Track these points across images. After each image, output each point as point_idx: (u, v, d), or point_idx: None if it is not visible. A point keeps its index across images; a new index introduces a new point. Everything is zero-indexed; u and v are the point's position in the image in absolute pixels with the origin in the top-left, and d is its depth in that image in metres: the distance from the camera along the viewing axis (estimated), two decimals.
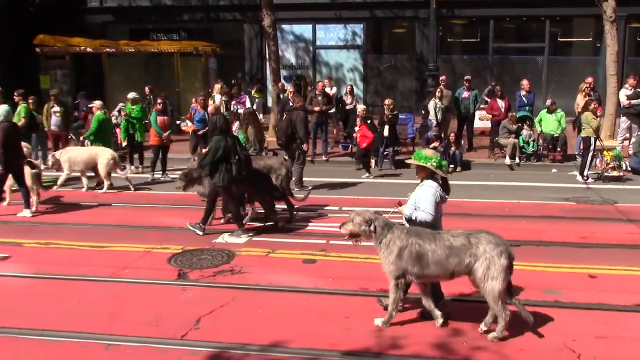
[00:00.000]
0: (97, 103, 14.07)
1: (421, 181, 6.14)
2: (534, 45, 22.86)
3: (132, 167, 13.79)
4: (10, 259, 8.26)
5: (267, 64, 21.89)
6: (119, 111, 16.53)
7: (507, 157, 15.10)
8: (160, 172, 13.93)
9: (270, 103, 21.11)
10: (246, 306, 6.56)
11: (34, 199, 10.86)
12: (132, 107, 14.60)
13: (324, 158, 15.93)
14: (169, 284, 7.27)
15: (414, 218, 6.02)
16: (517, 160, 15.10)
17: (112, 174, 12.79)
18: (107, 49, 20.77)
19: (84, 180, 12.68)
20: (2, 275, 7.65)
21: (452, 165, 14.66)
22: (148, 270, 7.71)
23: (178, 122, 16.89)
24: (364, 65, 23.85)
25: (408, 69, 23.43)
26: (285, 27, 23.45)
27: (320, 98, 16.03)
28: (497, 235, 5.79)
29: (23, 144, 11.31)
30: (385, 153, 15.14)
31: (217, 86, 17.40)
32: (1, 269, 7.86)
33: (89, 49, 20.70)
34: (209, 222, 9.54)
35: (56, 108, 14.90)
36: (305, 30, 24.08)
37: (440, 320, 6.02)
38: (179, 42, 22.16)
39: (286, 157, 11.89)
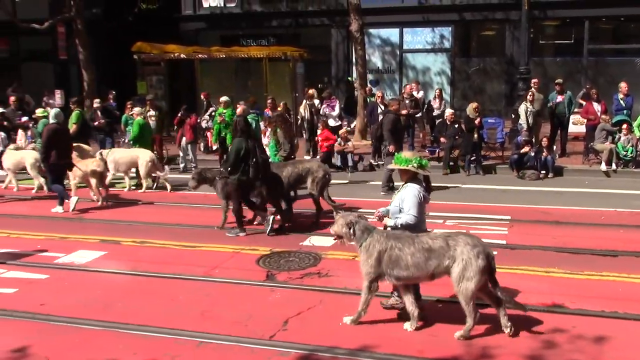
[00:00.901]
0: (136, 110, 14.73)
1: (404, 183, 6.32)
2: (633, 46, 21.78)
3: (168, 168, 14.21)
4: (109, 256, 8.68)
5: (354, 68, 21.98)
6: (210, 115, 17.03)
7: (603, 163, 14.44)
8: None
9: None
10: (333, 309, 6.59)
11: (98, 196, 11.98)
12: (224, 111, 15.00)
13: None
14: (257, 284, 7.42)
15: (398, 225, 6.14)
16: (613, 166, 14.41)
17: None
18: (200, 55, 21.47)
19: (126, 180, 13.52)
20: (102, 271, 8.05)
21: (543, 172, 14.22)
22: (237, 270, 7.90)
23: None
24: (451, 68, 23.48)
25: (497, 72, 22.89)
26: (372, 31, 23.43)
27: (407, 101, 15.91)
28: (476, 237, 5.96)
29: (84, 146, 12.83)
30: (472, 158, 14.85)
31: (312, 91, 17.55)
32: (101, 265, 8.27)
33: (182, 55, 21.47)
34: (258, 220, 10.07)
35: (152, 112, 15.53)
36: (392, 34, 23.97)
37: (414, 325, 6.08)
38: (267, 48, 22.59)
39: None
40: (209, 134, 17.00)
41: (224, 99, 15.30)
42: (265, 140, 12.73)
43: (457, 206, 11.33)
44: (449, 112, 15.99)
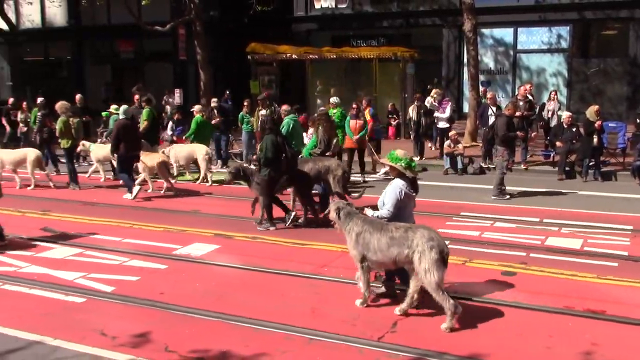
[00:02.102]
0: (196, 107, 15.69)
1: (394, 178, 6.80)
2: None
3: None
4: (222, 250, 9.00)
5: (465, 69, 21.56)
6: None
7: None
8: (359, 174, 14.28)
9: (466, 109, 20.75)
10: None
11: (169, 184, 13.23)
12: (334, 111, 15.14)
13: (522, 166, 15.27)
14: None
15: (376, 217, 6.69)
16: None
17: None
18: (311, 56, 21.80)
19: (187, 174, 14.72)
20: (216, 264, 8.35)
21: None
22: (345, 269, 7.93)
23: None
24: (568, 69, 22.52)
25: (619, 74, 21.70)
26: (485, 31, 22.88)
27: (521, 103, 15.40)
28: (434, 231, 6.28)
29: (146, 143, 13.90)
30: (591, 163, 14.15)
31: (435, 90, 17.44)
32: (215, 258, 8.58)
33: (294, 56, 21.90)
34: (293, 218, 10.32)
35: (263, 111, 15.92)
36: (505, 34, 23.31)
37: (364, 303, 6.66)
38: (378, 48, 22.60)
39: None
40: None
41: (333, 99, 15.46)
42: (305, 139, 13.31)
43: (573, 214, 10.84)
44: (566, 114, 15.33)
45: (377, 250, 6.34)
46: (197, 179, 14.53)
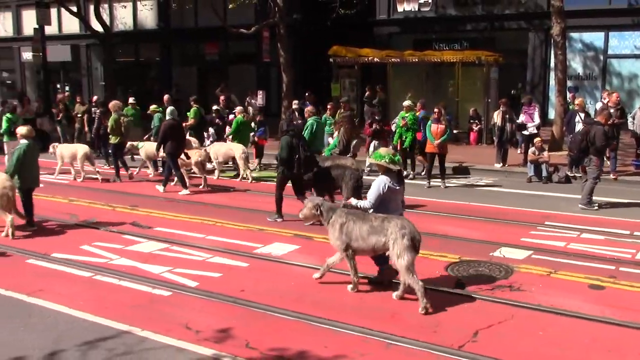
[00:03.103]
0: (238, 109, 16.49)
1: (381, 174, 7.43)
2: None
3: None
4: (302, 250, 9.10)
5: (552, 73, 20.88)
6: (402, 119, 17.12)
7: None
8: (439, 180, 14.11)
9: (552, 115, 20.12)
10: (526, 326, 6.35)
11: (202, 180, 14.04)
12: (406, 115, 15.07)
13: (611, 176, 14.66)
14: (447, 291, 7.35)
15: (360, 206, 7.41)
16: None
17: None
18: (393, 59, 21.71)
19: (216, 172, 15.30)
20: (296, 264, 8.45)
21: None
22: (426, 276, 7.86)
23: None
24: None
25: None
26: (574, 34, 22.06)
27: (612, 111, 14.78)
28: (408, 221, 6.95)
29: (192, 139, 15.67)
30: None
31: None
32: (295, 258, 8.69)
33: (376, 59, 21.87)
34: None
35: (345, 113, 15.99)
36: (596, 38, 22.40)
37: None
38: (461, 52, 22.20)
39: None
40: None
41: (406, 103, 15.38)
42: (330, 140, 13.69)
43: None
44: None
45: (359, 238, 7.01)
46: (237, 176, 15.34)
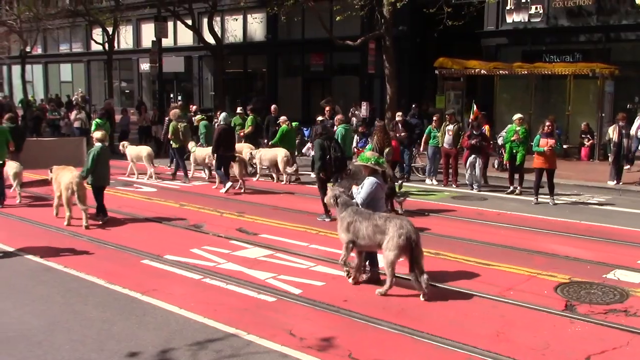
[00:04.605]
0: (282, 118, 17.37)
1: (367, 177, 8.29)
2: None
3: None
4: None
5: None
6: (507, 132, 16.69)
7: None
8: (548, 196, 13.61)
9: None
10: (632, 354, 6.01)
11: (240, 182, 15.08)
12: (518, 128, 14.65)
13: None
14: (556, 313, 7.07)
15: (356, 202, 8.16)
16: None
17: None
18: (501, 71, 21.22)
19: (274, 175, 16.70)
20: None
21: None
22: (534, 295, 7.63)
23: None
24: None
25: None
26: None
27: None
28: (408, 222, 7.64)
29: (248, 145, 17.39)
30: None
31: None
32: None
33: (483, 71, 21.45)
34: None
35: (450, 126, 15.80)
36: None
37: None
38: (574, 64, 21.35)
39: None
40: (502, 150, 16.69)
41: (517, 116, 14.96)
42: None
43: None
44: None
45: (365, 237, 7.72)
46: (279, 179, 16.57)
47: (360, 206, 8.10)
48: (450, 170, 15.98)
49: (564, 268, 8.73)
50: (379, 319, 6.87)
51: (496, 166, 17.40)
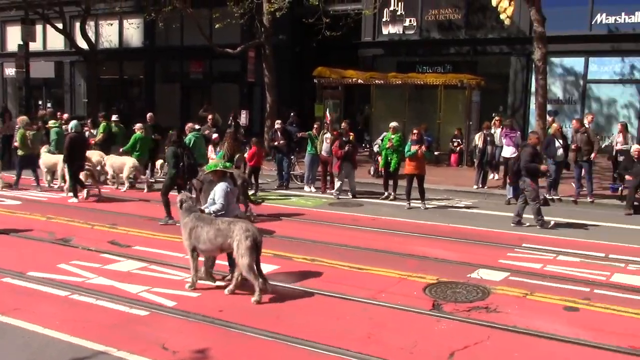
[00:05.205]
0: (137, 125, 17.20)
1: (217, 183, 8.47)
2: None
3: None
4: (281, 270, 9.08)
5: (532, 98, 21.20)
6: (382, 140, 17.27)
7: None
8: (420, 201, 14.21)
9: None
10: (502, 347, 6.40)
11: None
12: (392, 136, 15.20)
13: (588, 199, 14.87)
14: (424, 313, 7.39)
15: (211, 211, 8.23)
16: None
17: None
18: (377, 81, 21.93)
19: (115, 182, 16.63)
20: (275, 284, 8.41)
21: None
22: (404, 296, 7.92)
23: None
24: None
25: None
26: (555, 59, 22.48)
27: (579, 135, 15.03)
28: (251, 224, 7.99)
29: (98, 152, 16.82)
30: None
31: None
32: (274, 278, 8.63)
33: (360, 80, 22.09)
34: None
35: (328, 134, 16.11)
36: (576, 63, 22.83)
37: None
38: (444, 75, 22.53)
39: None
40: (379, 158, 17.22)
41: (392, 124, 15.53)
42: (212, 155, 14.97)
43: (635, 250, 10.48)
44: (635, 147, 14.86)
45: (207, 241, 7.85)
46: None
47: (217, 212, 8.22)
48: (328, 178, 16.30)
49: (433, 269, 9.14)
50: (254, 327, 6.84)
51: (372, 173, 17.94)
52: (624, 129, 16.65)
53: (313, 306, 7.62)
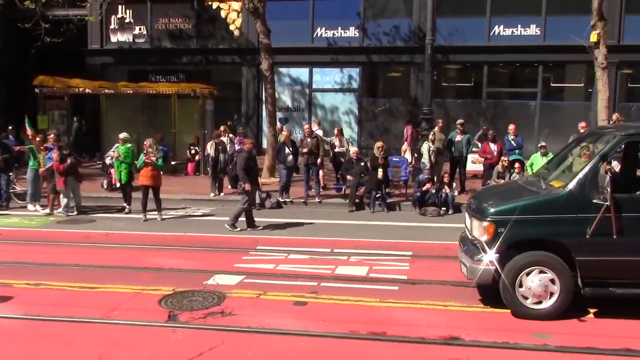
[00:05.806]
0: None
1: None
2: (527, 90, 23.10)
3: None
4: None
5: (264, 106, 22.17)
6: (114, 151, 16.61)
7: None
8: (156, 212, 13.94)
9: (265, 144, 21.31)
10: (235, 349, 6.53)
11: None
12: (121, 148, 14.75)
13: (317, 200, 15.98)
14: (159, 325, 7.24)
15: None
16: None
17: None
18: (106, 90, 21.00)
19: None
20: None
21: (444, 208, 14.79)
22: (138, 312, 7.68)
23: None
24: (359, 108, 24.14)
25: (402, 113, 23.59)
26: (283, 70, 23.83)
27: (309, 140, 16.16)
28: None
29: None
30: (377, 195, 15.19)
31: (222, 128, 17.94)
32: None
33: (87, 90, 20.93)
34: None
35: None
36: (302, 73, 24.46)
37: None
38: (177, 84, 22.43)
39: None
40: (112, 170, 16.52)
41: (122, 135, 15.07)
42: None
43: (361, 243, 11.53)
44: (353, 150, 16.37)
45: None
46: None
47: None
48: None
49: (169, 280, 9.00)
50: None
51: (105, 186, 17.15)
52: (340, 134, 18.22)
53: (38, 335, 6.97)
